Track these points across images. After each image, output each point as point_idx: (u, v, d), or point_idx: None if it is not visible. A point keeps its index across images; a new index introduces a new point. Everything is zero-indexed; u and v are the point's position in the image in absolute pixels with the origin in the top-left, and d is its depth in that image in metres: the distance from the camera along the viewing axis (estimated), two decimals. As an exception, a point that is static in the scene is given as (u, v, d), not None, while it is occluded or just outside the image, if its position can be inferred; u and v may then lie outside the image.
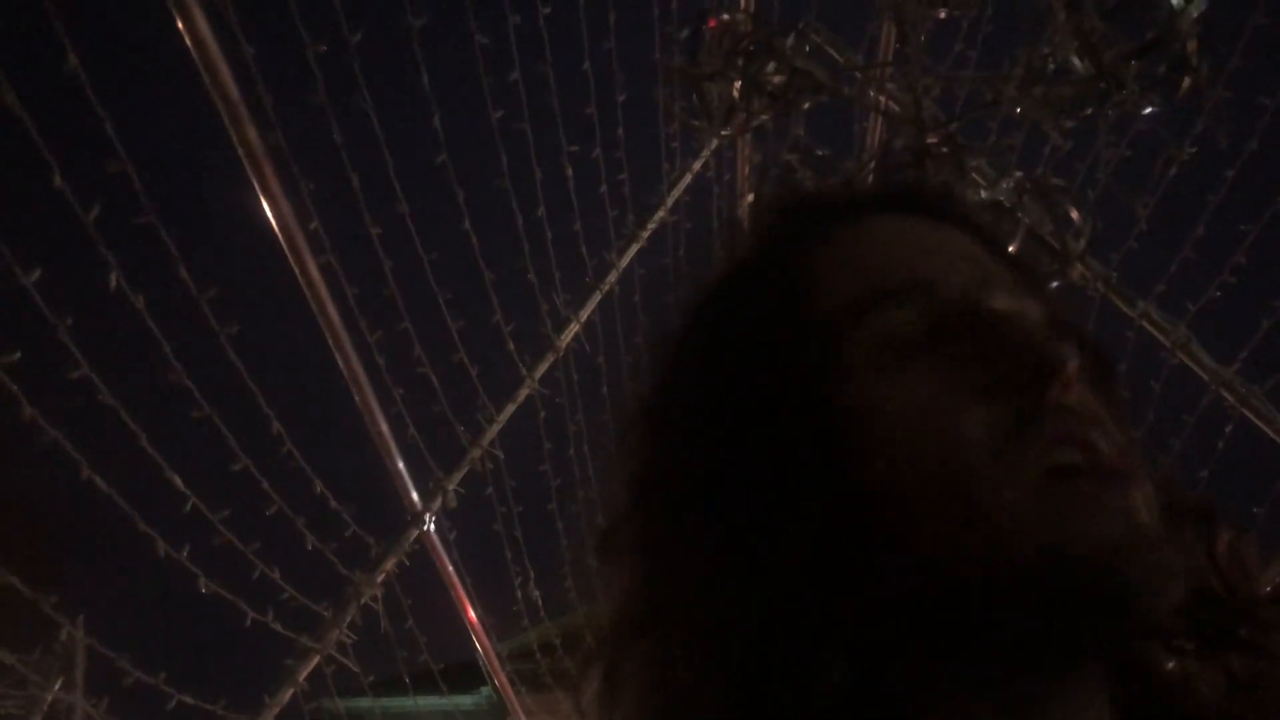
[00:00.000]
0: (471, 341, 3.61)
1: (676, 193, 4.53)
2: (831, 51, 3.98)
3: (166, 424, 2.86)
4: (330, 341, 3.11)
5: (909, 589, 0.57)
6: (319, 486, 3.30)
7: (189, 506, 2.83)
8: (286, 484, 3.20)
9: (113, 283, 2.33)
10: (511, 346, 3.78)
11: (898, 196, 0.73)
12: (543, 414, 4.14)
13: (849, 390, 0.61)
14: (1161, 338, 3.59)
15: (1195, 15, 2.25)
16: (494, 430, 3.90)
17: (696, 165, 4.52)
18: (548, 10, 3.19)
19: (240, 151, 2.72)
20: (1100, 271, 3.58)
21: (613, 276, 4.31)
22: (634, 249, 4.39)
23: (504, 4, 3.04)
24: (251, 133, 2.71)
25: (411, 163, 3.01)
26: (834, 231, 0.69)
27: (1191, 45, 2.26)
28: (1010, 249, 0.73)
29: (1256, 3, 2.85)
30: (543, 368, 4.04)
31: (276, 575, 3.15)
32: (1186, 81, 2.32)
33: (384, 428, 3.43)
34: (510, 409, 3.96)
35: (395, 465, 3.62)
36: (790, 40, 3.03)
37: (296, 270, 2.96)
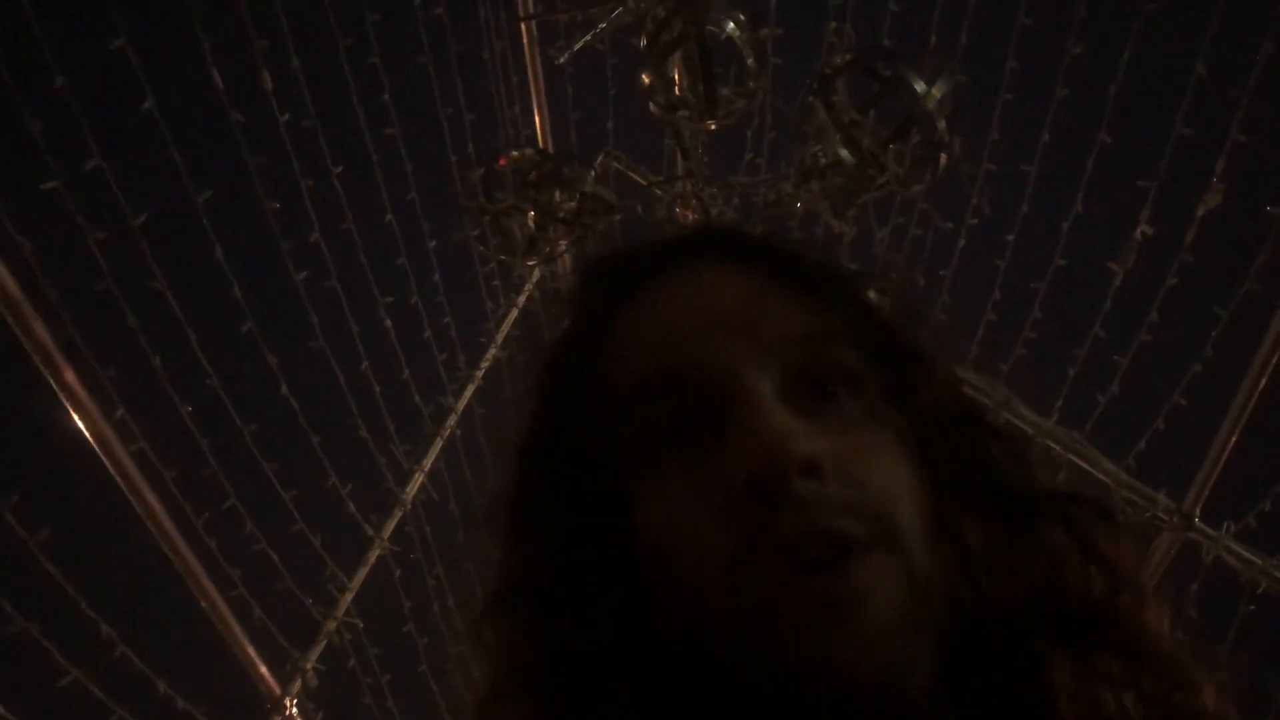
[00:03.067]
0: (309, 509, 3.50)
1: (505, 328, 4.55)
2: (633, 175, 4.13)
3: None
4: (153, 530, 2.97)
5: (686, 689, 0.58)
6: (162, 687, 3.11)
7: (12, 732, 2.63)
8: (125, 690, 3.01)
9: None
10: (353, 507, 3.68)
11: (701, 242, 0.73)
12: (398, 572, 4.01)
13: (627, 492, 0.62)
14: (984, 399, 3.72)
15: (939, 96, 2.41)
16: (347, 598, 3.76)
17: (520, 299, 4.57)
18: (339, 169, 3.22)
19: (29, 349, 2.63)
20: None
21: (452, 420, 4.27)
22: (470, 390, 4.37)
23: (293, 169, 3.06)
24: (40, 330, 2.63)
25: (216, 334, 2.95)
26: (636, 297, 0.69)
27: (941, 125, 2.41)
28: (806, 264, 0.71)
29: (1002, 80, 3.07)
30: (391, 525, 3.94)
31: (124, 793, 2.93)
32: (944, 158, 2.46)
33: (226, 613, 3.27)
34: (362, 573, 3.83)
35: (245, 651, 3.44)
36: (589, 168, 3.13)
37: (107, 462, 2.83)
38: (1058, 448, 3.73)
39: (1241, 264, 2.88)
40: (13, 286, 2.50)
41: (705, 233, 0.76)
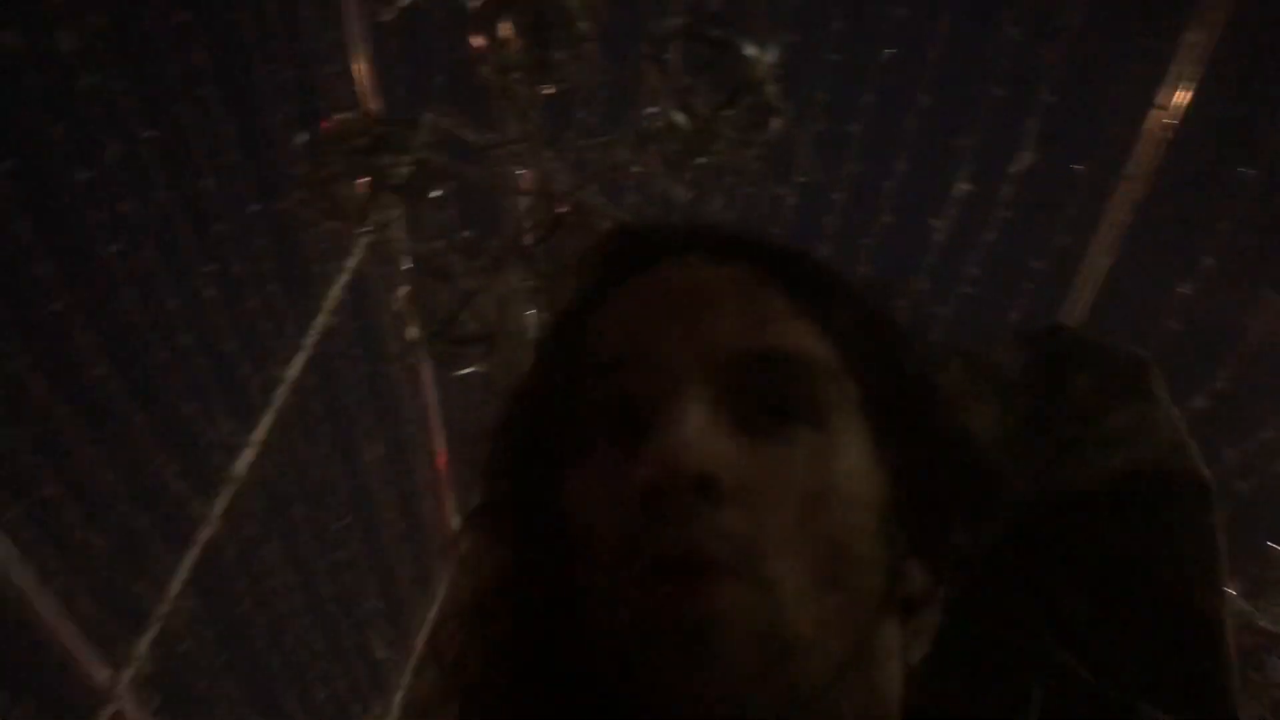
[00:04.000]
0: (135, 491, 3.35)
1: (334, 293, 4.42)
2: (464, 135, 4.03)
3: None
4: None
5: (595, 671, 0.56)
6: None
7: None
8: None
9: None
10: (181, 486, 3.53)
11: (718, 237, 0.65)
12: (232, 551, 3.89)
13: (563, 475, 0.59)
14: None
15: (770, 61, 2.44)
16: (179, 581, 3.62)
17: (351, 264, 4.43)
18: (154, 133, 3.04)
19: None
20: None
21: (282, 391, 4.13)
22: (301, 359, 4.23)
23: (99, 136, 2.87)
24: None
25: (22, 315, 2.77)
26: (636, 276, 0.63)
27: (771, 89, 2.44)
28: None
29: (831, 43, 3.14)
30: (221, 503, 3.79)
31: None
32: (775, 121, 2.50)
33: (46, 605, 3.10)
34: (193, 553, 3.69)
35: (70, 645, 3.28)
36: (420, 131, 3.03)
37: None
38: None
39: (1054, 218, 3.05)
40: None
41: (724, 230, 0.73)
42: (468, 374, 3.20)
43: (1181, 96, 2.81)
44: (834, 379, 0.57)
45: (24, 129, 2.58)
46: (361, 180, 2.78)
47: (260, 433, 4.03)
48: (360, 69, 3.77)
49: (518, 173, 3.15)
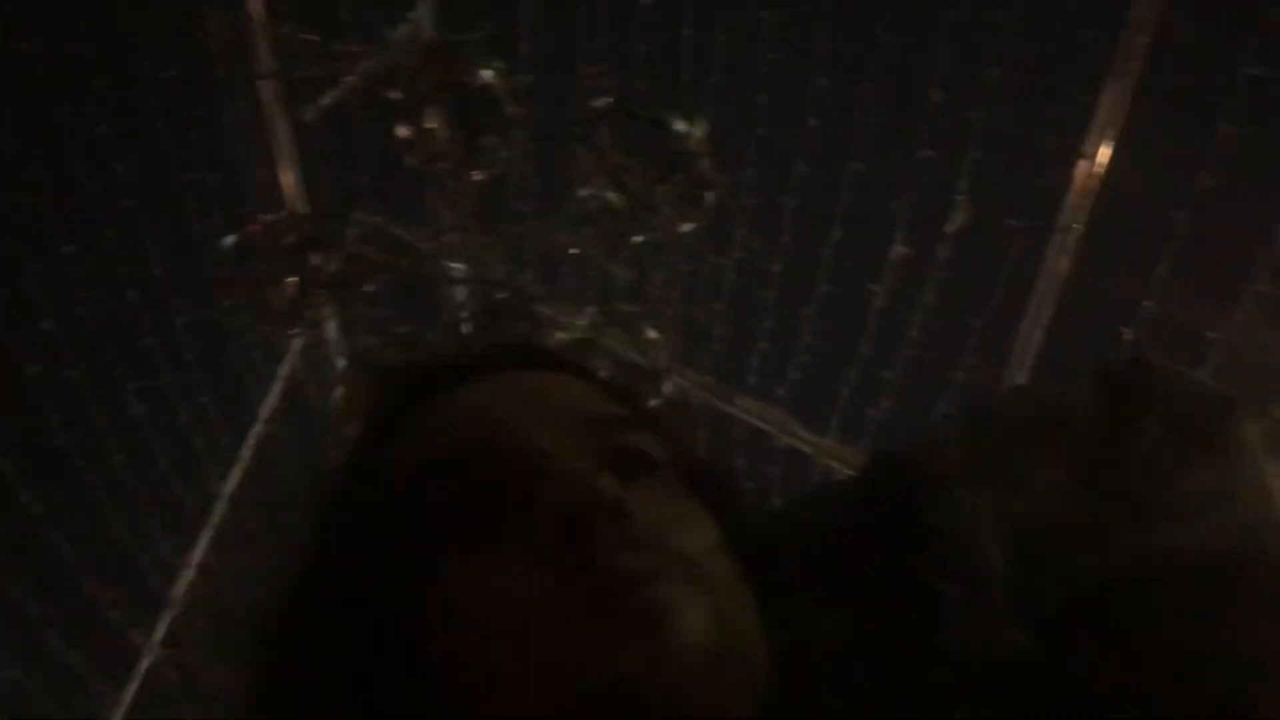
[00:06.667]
0: (67, 627, 3.17)
1: (271, 402, 4.30)
2: (394, 229, 3.99)
3: None
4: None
5: None
6: None
7: None
8: None
9: None
10: (113, 616, 3.36)
11: (502, 356, 0.70)
12: (177, 677, 3.70)
13: (423, 570, 0.57)
14: (765, 425, 3.83)
15: (700, 135, 2.43)
16: (119, 715, 3.43)
17: (284, 370, 4.33)
18: (71, 249, 2.95)
19: None
20: (697, 380, 3.76)
21: (220, 507, 3.99)
22: (237, 472, 4.09)
23: (19, 254, 2.77)
24: None
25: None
26: (435, 396, 0.66)
27: (705, 163, 2.43)
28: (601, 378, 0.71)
29: (759, 119, 3.15)
30: (161, 630, 3.63)
31: None
32: (709, 196, 2.48)
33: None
34: (133, 687, 3.51)
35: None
36: (349, 227, 2.98)
37: None
38: (836, 465, 3.86)
39: (991, 276, 3.06)
40: None
41: (508, 345, 0.74)
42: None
43: (1106, 146, 2.85)
44: (659, 441, 0.62)
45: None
46: (290, 280, 2.71)
47: (198, 552, 3.88)
48: (286, 171, 3.73)
49: (452, 264, 3.11)
